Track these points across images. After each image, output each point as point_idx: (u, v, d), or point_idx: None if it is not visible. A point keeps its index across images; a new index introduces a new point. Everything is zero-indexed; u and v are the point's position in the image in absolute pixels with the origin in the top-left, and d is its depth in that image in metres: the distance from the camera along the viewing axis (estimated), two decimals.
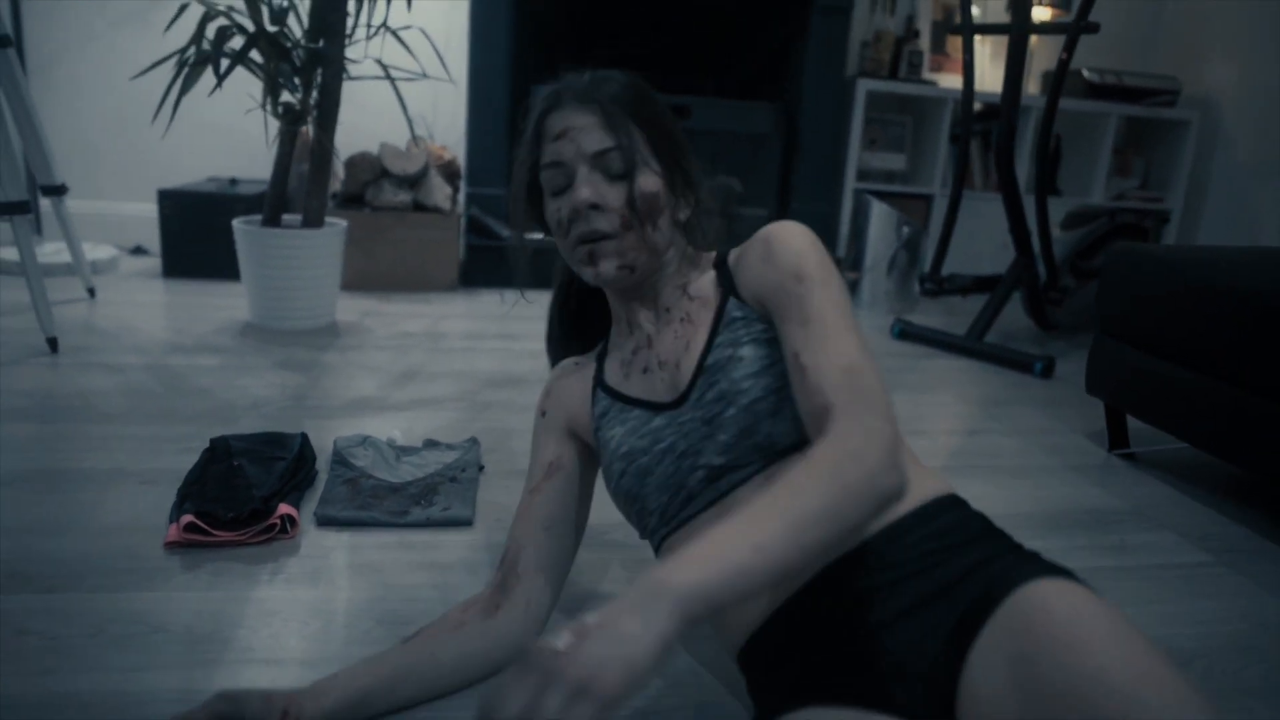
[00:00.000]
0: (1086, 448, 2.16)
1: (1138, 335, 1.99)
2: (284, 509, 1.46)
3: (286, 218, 2.77)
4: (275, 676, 1.10)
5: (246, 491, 1.50)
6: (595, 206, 1.00)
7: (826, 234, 3.91)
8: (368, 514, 1.53)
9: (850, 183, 4.01)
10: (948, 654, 0.81)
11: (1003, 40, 3.70)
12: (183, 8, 2.54)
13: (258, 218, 2.74)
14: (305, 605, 1.27)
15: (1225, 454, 1.78)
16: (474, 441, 1.82)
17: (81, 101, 3.54)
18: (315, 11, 2.51)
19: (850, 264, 3.59)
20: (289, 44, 2.54)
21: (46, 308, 2.32)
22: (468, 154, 3.58)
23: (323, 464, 1.73)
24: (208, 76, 2.47)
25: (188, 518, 1.40)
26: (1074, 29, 2.71)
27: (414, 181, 3.28)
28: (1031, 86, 4.37)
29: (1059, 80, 2.84)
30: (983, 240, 4.08)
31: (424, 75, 2.72)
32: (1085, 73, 4.13)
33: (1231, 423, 1.73)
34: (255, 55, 2.53)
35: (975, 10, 4.10)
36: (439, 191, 3.30)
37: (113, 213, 3.64)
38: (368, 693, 1.00)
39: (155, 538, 1.42)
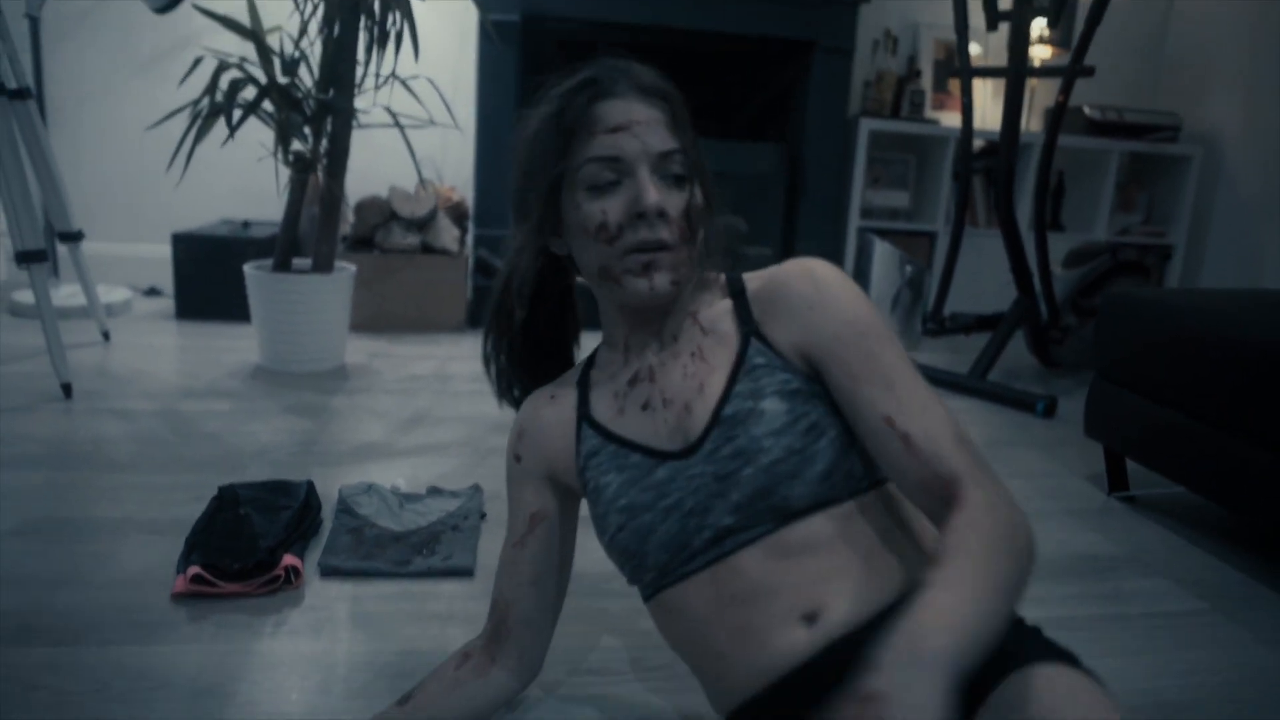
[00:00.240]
0: (1086, 491, 2.17)
1: (1134, 380, 2.01)
2: (288, 560, 1.49)
3: (297, 261, 2.82)
4: None
5: (252, 542, 1.53)
6: (662, 213, 0.92)
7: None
8: (370, 564, 1.55)
9: (854, 221, 4.04)
10: None
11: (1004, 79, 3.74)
12: (198, 60, 2.60)
13: (269, 262, 2.79)
14: (306, 658, 1.29)
15: (1220, 499, 1.79)
16: (477, 489, 1.85)
17: (99, 146, 3.62)
18: (326, 62, 2.57)
19: None
20: (300, 94, 2.60)
21: (61, 354, 2.37)
22: (476, 196, 3.63)
23: (328, 511, 1.76)
24: (221, 125, 2.53)
25: (194, 569, 1.43)
26: (1070, 72, 2.75)
27: (422, 224, 3.33)
28: (1034, 123, 4.41)
29: (1055, 122, 2.87)
30: (987, 277, 4.10)
31: (432, 122, 2.77)
32: (1087, 110, 4.16)
33: (1226, 468, 1.75)
34: (267, 105, 2.59)
35: (977, 48, 4.15)
36: (446, 234, 3.35)
37: (128, 254, 3.71)
38: None
39: (162, 589, 1.45)
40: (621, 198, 0.92)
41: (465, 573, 1.56)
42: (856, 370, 0.91)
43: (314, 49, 2.66)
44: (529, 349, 1.11)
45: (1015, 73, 2.80)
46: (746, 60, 4.00)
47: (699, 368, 0.98)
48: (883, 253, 3.57)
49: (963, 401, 2.89)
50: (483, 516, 1.77)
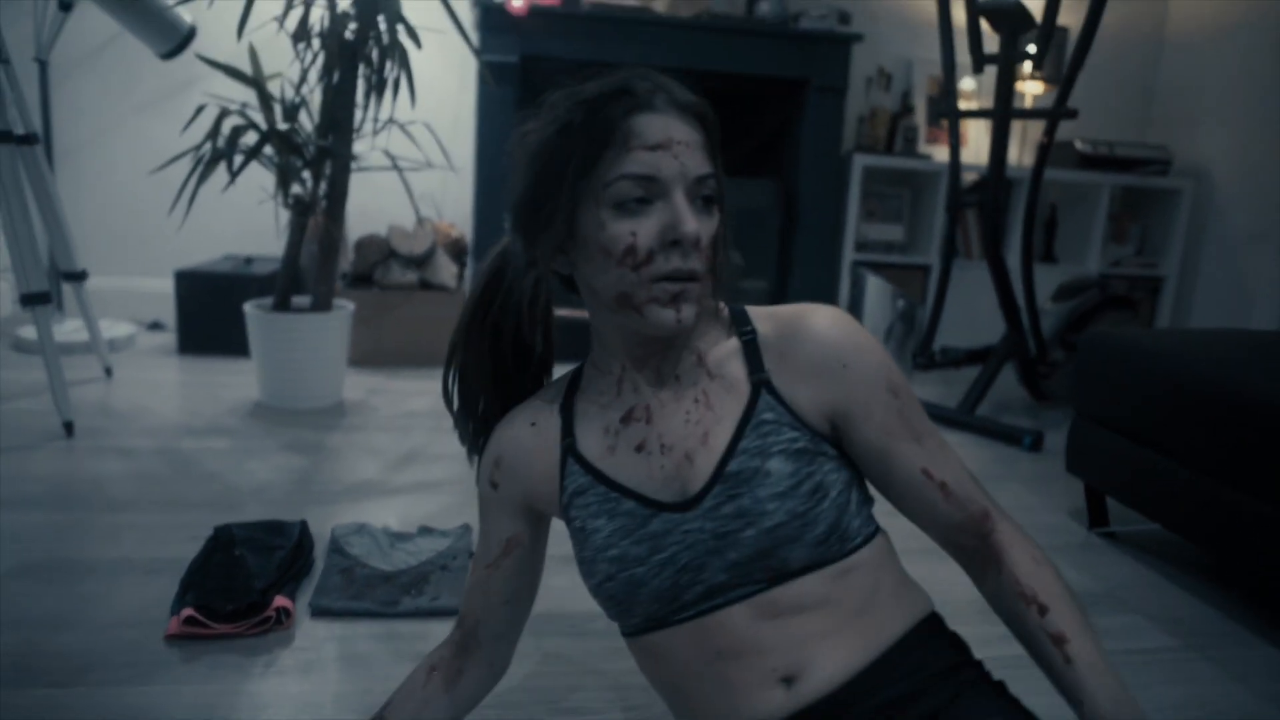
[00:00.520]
0: (1068, 526, 2.21)
1: (1111, 418, 2.05)
2: (280, 601, 1.53)
3: (297, 299, 2.88)
4: None
5: (246, 583, 1.57)
6: (696, 242, 0.87)
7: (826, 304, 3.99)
8: (360, 604, 1.60)
9: (849, 254, 4.09)
10: None
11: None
12: (200, 108, 2.67)
13: (269, 300, 2.85)
14: (295, 698, 1.33)
15: (1192, 536, 1.83)
16: (466, 528, 1.90)
17: (105, 184, 3.69)
18: (325, 109, 2.64)
19: None
20: (300, 140, 2.66)
21: (64, 392, 2.42)
22: (474, 232, 3.69)
23: (321, 550, 1.80)
24: (223, 168, 2.60)
25: (188, 611, 1.47)
26: (1053, 114, 2.81)
27: (421, 261, 3.39)
28: (1026, 158, 4.47)
29: (1040, 163, 2.93)
30: (980, 310, 4.13)
31: (429, 165, 2.83)
32: (1078, 144, 4.22)
33: (1197, 507, 1.79)
34: (268, 149, 2.65)
35: (972, 83, 4.22)
36: (445, 270, 3.41)
37: (132, 289, 3.77)
38: None
39: (157, 630, 1.49)
40: (654, 221, 0.86)
41: (452, 613, 1.60)
42: (891, 428, 0.94)
43: (314, 94, 2.72)
44: (506, 374, 1.05)
45: (1001, 114, 2.85)
46: (742, 98, 4.07)
47: (704, 415, 0.94)
48: (875, 287, 3.62)
49: (952, 435, 2.93)
50: (470, 556, 1.81)
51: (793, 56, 3.77)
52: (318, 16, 2.59)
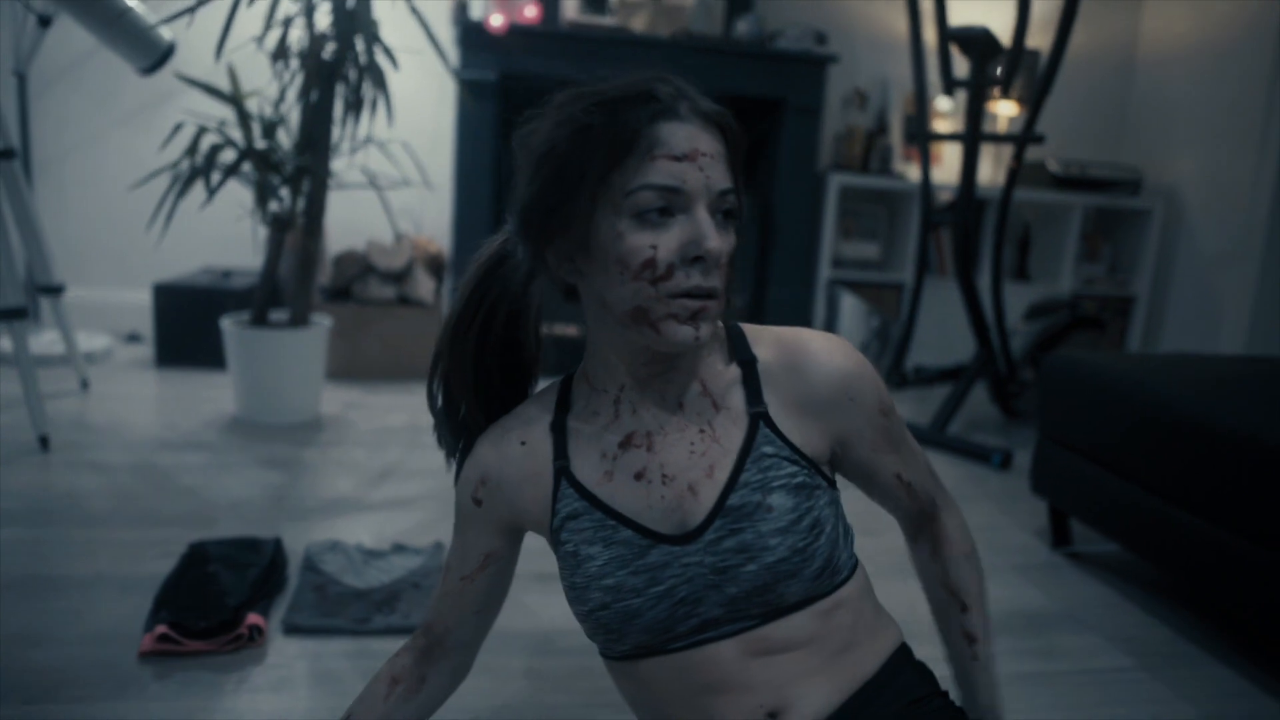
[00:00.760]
0: (1031, 546, 2.25)
1: (1073, 441, 2.10)
2: (252, 619, 1.55)
3: (274, 314, 2.90)
4: None
5: (219, 600, 1.59)
6: (719, 260, 0.85)
7: (802, 321, 4.04)
8: (332, 621, 1.62)
9: (825, 271, 4.14)
10: None
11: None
12: (178, 126, 2.69)
13: (247, 314, 2.87)
14: (266, 715, 1.36)
15: (1151, 558, 1.88)
16: (438, 546, 1.92)
17: (84, 196, 3.70)
18: (303, 127, 2.66)
19: None
20: (278, 158, 2.69)
21: (40, 406, 2.43)
22: (453, 248, 3.72)
23: (295, 567, 1.82)
24: (201, 184, 2.62)
25: (161, 628, 1.49)
26: (1021, 139, 2.86)
27: (399, 276, 3.41)
28: (1001, 176, 4.53)
29: (1009, 187, 2.99)
30: (956, 328, 4.19)
31: (406, 183, 2.86)
32: (1051, 164, 4.29)
33: (1155, 530, 1.83)
34: (246, 165, 2.68)
35: (949, 103, 4.28)
36: (422, 285, 3.43)
37: (110, 300, 3.78)
38: None
39: (131, 646, 1.51)
40: (675, 234, 0.83)
41: None
42: (879, 444, 0.99)
43: (292, 113, 2.75)
44: (490, 380, 1.01)
45: (970, 139, 2.91)
46: None
47: (709, 448, 0.92)
48: (849, 305, 3.66)
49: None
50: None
51: (769, 76, 3.82)
52: (296, 37, 2.61)
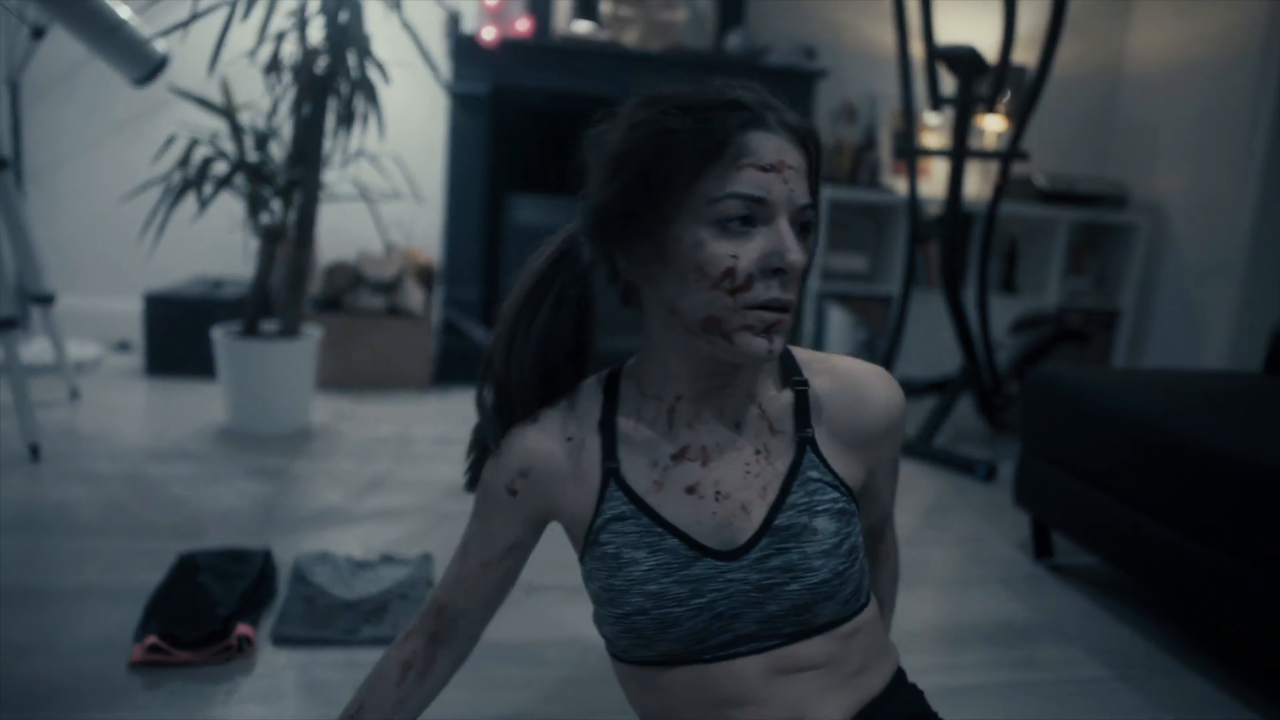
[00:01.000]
0: (1014, 558, 2.28)
1: (1055, 455, 2.13)
2: (241, 629, 1.57)
3: (265, 323, 2.91)
4: None
5: (209, 611, 1.60)
6: (797, 275, 0.85)
7: (791, 333, 4.06)
8: (321, 632, 1.63)
9: (814, 284, 4.17)
10: None
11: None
12: (170, 139, 2.71)
13: (237, 324, 2.88)
14: None
15: (1129, 570, 1.91)
16: (426, 557, 1.94)
17: (75, 205, 3.71)
18: (296, 140, 2.68)
19: None
20: (269, 171, 2.71)
21: (30, 416, 2.44)
22: (444, 259, 3.74)
23: (284, 578, 1.84)
24: (193, 194, 2.64)
25: (151, 639, 1.51)
26: (1006, 156, 2.90)
27: (389, 287, 3.43)
28: (988, 190, 4.57)
29: (994, 203, 3.02)
30: (943, 340, 4.23)
31: (397, 196, 2.88)
32: (1038, 179, 4.32)
33: (1134, 543, 1.86)
34: (238, 177, 2.70)
35: (937, 119, 4.32)
36: (413, 296, 3.45)
37: (100, 309, 3.79)
38: None
39: (121, 657, 1.52)
40: (756, 245, 0.84)
41: None
42: (891, 472, 1.06)
43: (284, 125, 2.77)
44: (547, 372, 0.99)
45: (956, 155, 2.94)
46: None
47: (763, 469, 0.94)
48: (838, 319, 3.69)
49: (910, 465, 3.00)
50: (430, 584, 1.86)
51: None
52: (289, 51, 2.64)
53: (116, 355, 3.66)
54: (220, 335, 2.77)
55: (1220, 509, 1.63)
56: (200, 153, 2.65)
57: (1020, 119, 2.89)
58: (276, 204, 2.77)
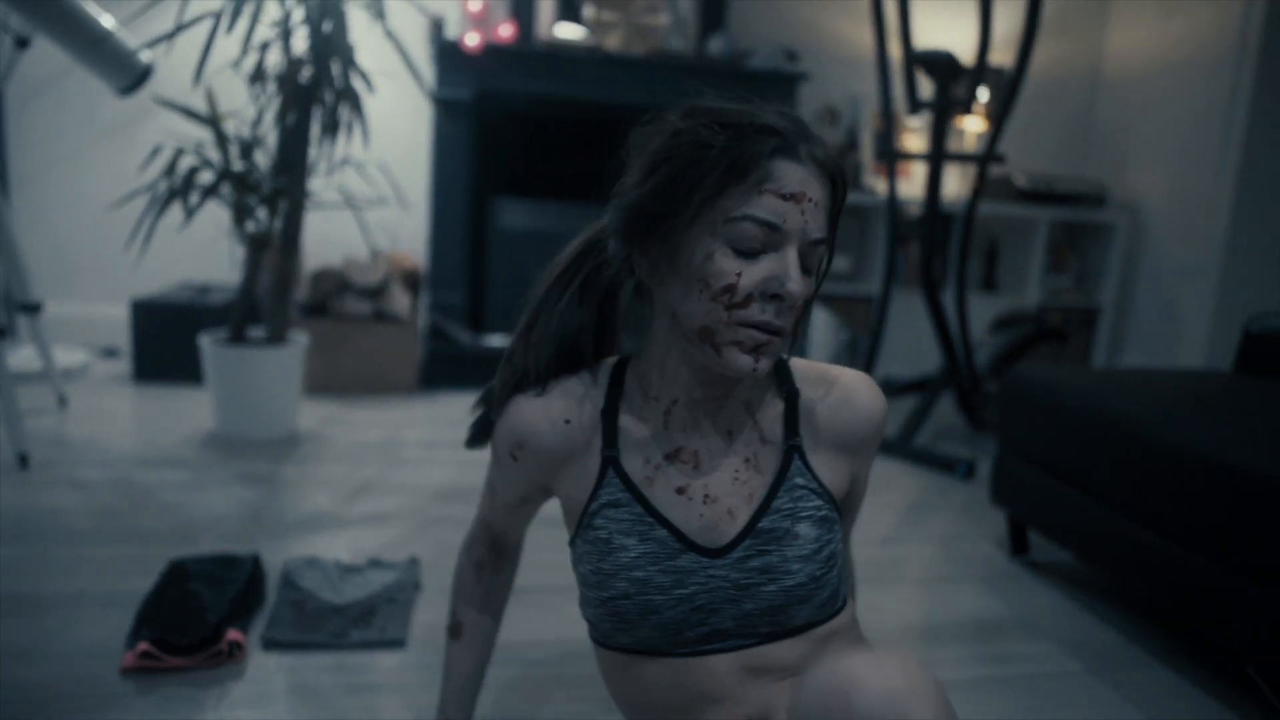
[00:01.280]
0: (991, 555, 2.32)
1: (1030, 453, 2.17)
2: (232, 635, 1.60)
3: (252, 330, 2.94)
4: None
5: (199, 617, 1.64)
6: (795, 304, 0.88)
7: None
8: (310, 636, 1.67)
9: None
10: None
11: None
12: (156, 149, 2.73)
13: (225, 331, 2.91)
14: None
15: (1101, 566, 1.95)
16: (414, 561, 1.97)
17: (62, 211, 3.72)
18: (281, 149, 2.71)
19: None
20: (255, 179, 2.73)
21: (18, 424, 2.46)
22: (429, 264, 3.77)
23: (273, 583, 1.87)
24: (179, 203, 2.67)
25: (143, 645, 1.54)
26: (983, 159, 2.95)
27: (375, 292, 3.46)
28: (968, 191, 4.62)
29: (972, 205, 3.06)
30: (927, 339, 4.28)
31: (382, 203, 2.90)
32: (1018, 179, 4.38)
33: (1106, 539, 1.91)
34: (224, 186, 2.72)
35: (918, 122, 4.37)
36: (398, 301, 3.48)
37: (88, 315, 3.80)
38: (475, 693, 1.22)
39: (113, 663, 1.55)
40: (762, 268, 0.87)
41: (398, 644, 1.67)
42: (866, 477, 1.10)
43: (270, 134, 2.79)
44: (569, 348, 1.04)
45: (934, 158, 2.99)
46: None
47: (751, 477, 0.99)
48: (820, 319, 3.74)
49: (891, 464, 3.04)
50: (417, 588, 1.89)
51: (741, 94, 3.89)
52: (273, 61, 2.66)
53: (104, 362, 3.68)
54: (207, 343, 2.80)
55: (1187, 507, 1.68)
56: (186, 162, 2.67)
57: (997, 121, 2.94)
58: (262, 212, 2.79)
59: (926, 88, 3.07)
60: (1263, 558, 1.52)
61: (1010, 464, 2.26)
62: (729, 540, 0.97)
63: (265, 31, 2.62)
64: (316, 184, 2.87)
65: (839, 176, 0.91)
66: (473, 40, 3.51)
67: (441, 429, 3.09)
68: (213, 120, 2.72)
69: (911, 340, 4.24)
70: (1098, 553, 1.96)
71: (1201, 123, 4.02)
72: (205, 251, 3.74)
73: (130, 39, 2.57)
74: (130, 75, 2.62)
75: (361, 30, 2.82)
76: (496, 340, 3.77)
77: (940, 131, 2.97)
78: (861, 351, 3.77)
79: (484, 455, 1.13)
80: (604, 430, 1.00)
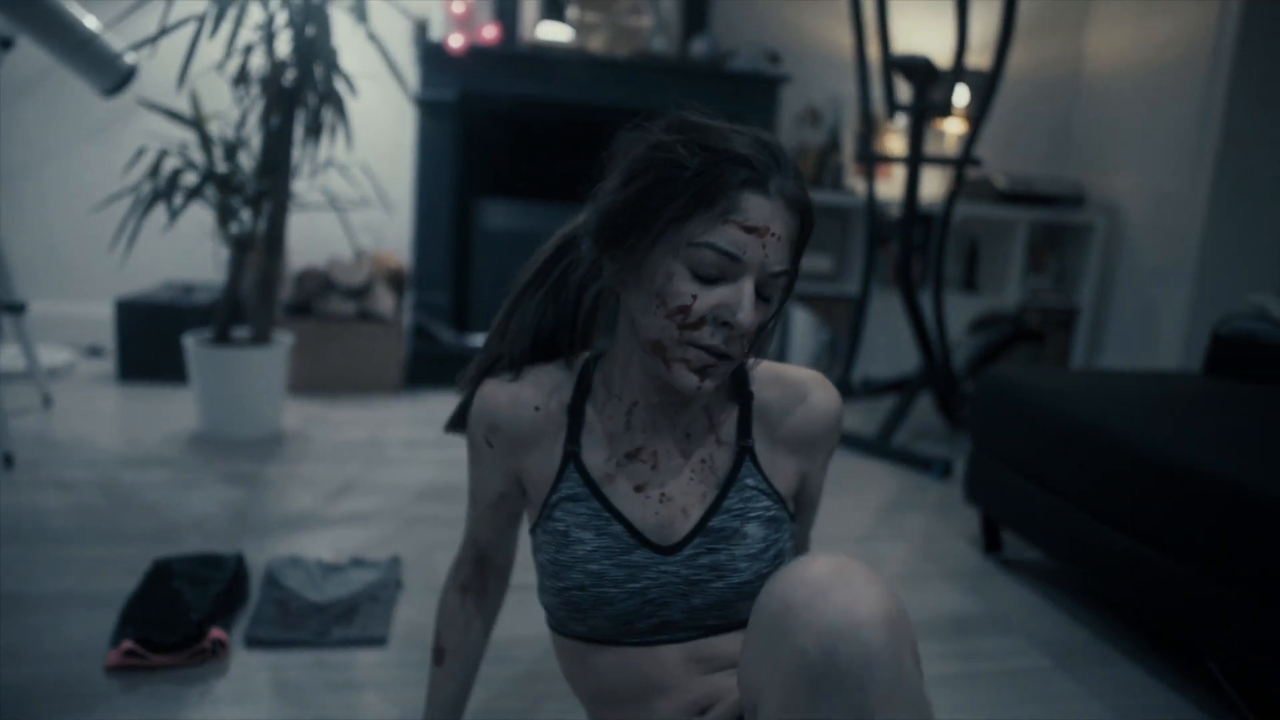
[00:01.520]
0: (965, 553, 2.37)
1: (1002, 453, 2.21)
2: (215, 633, 1.62)
3: (236, 330, 2.96)
4: None
5: (183, 616, 1.66)
6: (745, 333, 0.91)
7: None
8: (292, 634, 1.69)
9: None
10: None
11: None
12: (140, 151, 2.75)
13: (209, 332, 2.93)
14: None
15: (1069, 563, 2.00)
16: (395, 560, 2.00)
17: (45, 210, 3.73)
18: (264, 151, 2.73)
19: None
20: (239, 181, 2.75)
21: (3, 424, 2.47)
22: (413, 264, 3.80)
23: (256, 582, 1.89)
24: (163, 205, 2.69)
25: (128, 644, 1.56)
26: (959, 163, 2.99)
27: (359, 292, 3.48)
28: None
29: (949, 208, 3.11)
30: (905, 339, 4.33)
31: (366, 204, 2.93)
32: (998, 180, 4.42)
33: (1073, 537, 1.95)
34: (208, 188, 2.74)
35: (901, 122, 4.41)
36: (383, 302, 3.50)
37: (72, 314, 3.81)
38: (460, 714, 1.24)
39: (98, 661, 1.57)
40: (717, 295, 0.89)
41: (379, 642, 1.70)
42: (822, 479, 1.12)
43: (254, 136, 2.81)
44: (544, 340, 1.07)
45: (912, 161, 3.03)
46: None
47: (706, 477, 1.03)
48: (800, 320, 3.78)
49: (868, 463, 3.09)
50: (399, 586, 1.92)
51: (724, 95, 3.92)
52: (257, 64, 2.68)
53: (88, 361, 3.69)
54: (192, 343, 2.81)
55: (1151, 508, 1.72)
56: (170, 164, 2.69)
57: (974, 124, 2.98)
58: (246, 214, 2.81)
59: (905, 91, 3.10)
60: (1221, 557, 1.56)
61: (983, 464, 2.30)
62: (680, 538, 1.01)
63: (249, 35, 2.64)
64: (300, 185, 2.89)
65: (807, 213, 0.93)
66: (456, 42, 3.53)
67: (425, 428, 3.12)
68: (197, 122, 2.74)
69: (891, 340, 4.29)
70: (1067, 551, 2.00)
71: (1178, 124, 4.08)
72: (189, 251, 3.75)
73: (114, 41, 2.59)
74: (114, 77, 2.64)
75: (345, 32, 2.84)
76: (480, 340, 3.79)
77: (918, 135, 3.01)
78: (841, 351, 3.81)
79: (465, 455, 1.15)
80: (569, 425, 1.03)
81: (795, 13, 4.33)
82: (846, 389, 3.47)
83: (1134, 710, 1.66)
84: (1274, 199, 3.89)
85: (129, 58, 2.63)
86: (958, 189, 3.09)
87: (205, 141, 2.73)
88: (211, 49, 2.61)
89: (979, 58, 4.36)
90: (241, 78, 2.65)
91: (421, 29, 3.60)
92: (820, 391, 1.07)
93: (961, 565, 2.28)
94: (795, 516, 1.12)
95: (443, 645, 1.22)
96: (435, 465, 2.73)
